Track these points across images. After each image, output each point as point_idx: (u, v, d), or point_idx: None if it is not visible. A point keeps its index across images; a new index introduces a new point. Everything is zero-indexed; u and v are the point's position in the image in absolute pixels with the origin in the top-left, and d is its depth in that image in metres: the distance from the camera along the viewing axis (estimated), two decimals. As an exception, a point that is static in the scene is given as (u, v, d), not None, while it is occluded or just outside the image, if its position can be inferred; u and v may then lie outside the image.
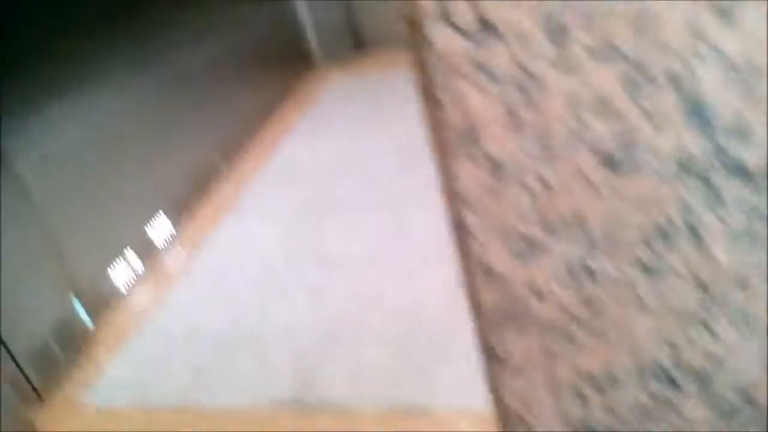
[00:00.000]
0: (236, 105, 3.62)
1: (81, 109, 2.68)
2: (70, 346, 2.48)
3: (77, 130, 2.65)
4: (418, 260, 2.58)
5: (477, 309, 0.76)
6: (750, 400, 0.71)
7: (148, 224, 2.97)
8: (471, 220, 0.70)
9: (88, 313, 2.59)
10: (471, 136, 0.65)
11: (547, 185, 0.66)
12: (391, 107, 3.71)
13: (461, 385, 2.03)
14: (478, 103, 0.63)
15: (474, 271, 0.73)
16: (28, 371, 2.29)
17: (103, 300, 2.72)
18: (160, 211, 3.03)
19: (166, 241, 3.05)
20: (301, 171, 3.37)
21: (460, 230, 0.72)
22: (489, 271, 0.72)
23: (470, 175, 0.67)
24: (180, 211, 3.16)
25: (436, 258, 2.56)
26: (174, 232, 3.10)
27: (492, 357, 0.78)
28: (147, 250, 2.96)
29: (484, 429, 1.89)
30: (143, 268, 2.91)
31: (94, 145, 2.72)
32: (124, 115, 2.89)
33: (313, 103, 3.99)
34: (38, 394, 2.34)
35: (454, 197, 0.70)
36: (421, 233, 2.72)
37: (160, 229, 3.03)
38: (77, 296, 2.53)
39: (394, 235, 2.75)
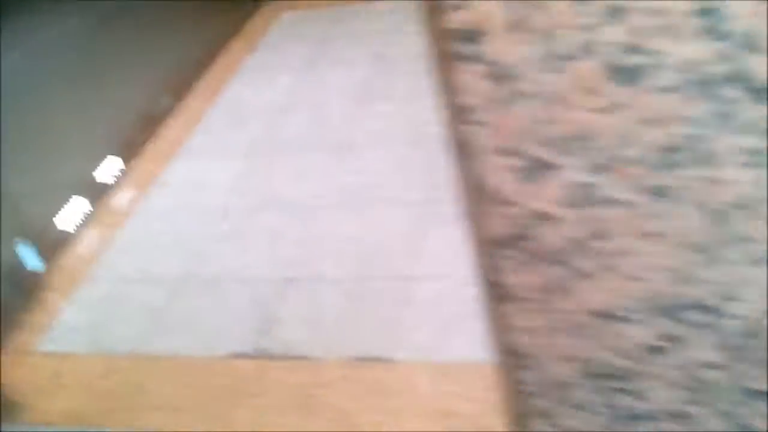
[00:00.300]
0: (183, 43, 3.51)
1: (26, 47, 2.56)
2: (21, 292, 2.43)
3: (22, 68, 2.54)
4: (374, 202, 2.59)
5: (479, 237, 0.71)
6: (756, 333, 0.69)
7: (96, 166, 2.90)
8: (474, 136, 0.66)
9: (39, 257, 2.53)
10: (474, 42, 0.61)
11: (553, 97, 0.61)
12: (342, 45, 3.66)
13: (423, 334, 2.07)
14: (483, 6, 0.59)
15: (476, 194, 0.69)
16: (-21, 318, 2.25)
17: (53, 244, 2.66)
18: (108, 153, 2.96)
19: (115, 183, 2.98)
20: (251, 111, 3.31)
21: (462, 149, 0.68)
22: (492, 194, 0.68)
23: (473, 86, 0.63)
24: (128, 152, 3.09)
25: (395, 200, 2.58)
26: (123, 174, 3.03)
27: (494, 290, 0.75)
28: (96, 193, 2.89)
29: (445, 381, 1.95)
30: (93, 211, 2.85)
31: (38, 85, 2.62)
32: (68, 55, 2.78)
33: (262, 41, 3.90)
34: (-10, 341, 2.31)
35: (455, 112, 0.66)
36: (376, 174, 2.72)
37: (108, 171, 2.97)
38: (27, 241, 2.47)
39: (348, 176, 2.75)
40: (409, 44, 3.52)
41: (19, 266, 2.43)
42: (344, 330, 2.13)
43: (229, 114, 3.32)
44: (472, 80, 0.63)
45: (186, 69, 3.54)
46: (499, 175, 0.66)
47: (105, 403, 2.07)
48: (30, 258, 2.48)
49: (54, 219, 2.68)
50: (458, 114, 0.65)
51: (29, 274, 2.48)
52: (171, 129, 3.30)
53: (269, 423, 1.91)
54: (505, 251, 0.71)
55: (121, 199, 2.93)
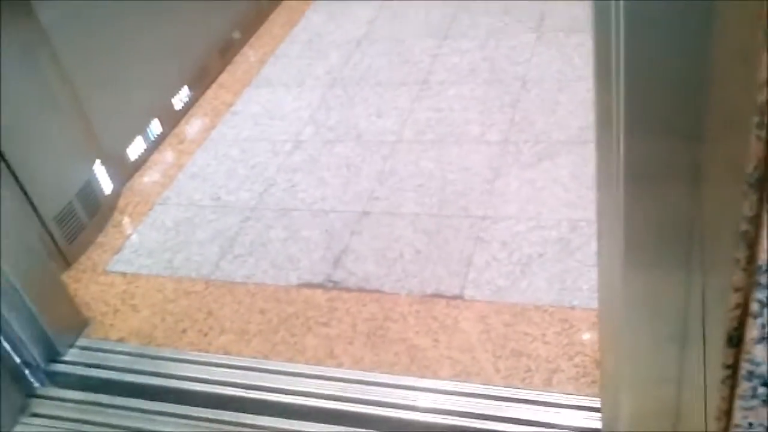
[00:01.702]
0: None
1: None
2: (95, 212, 2.45)
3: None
4: (452, 139, 2.52)
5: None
6: None
7: (172, 93, 2.89)
8: None
9: (114, 179, 2.54)
10: None
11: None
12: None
13: (498, 274, 2.01)
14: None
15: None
16: (55, 233, 2.27)
17: (128, 167, 2.67)
18: (184, 81, 2.94)
19: (190, 110, 2.97)
20: (328, 43, 3.24)
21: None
22: None
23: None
24: (203, 81, 3.07)
25: (474, 138, 2.50)
26: (197, 102, 3.02)
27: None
28: (171, 119, 2.89)
29: (519, 322, 1.89)
30: (167, 137, 2.85)
31: (113, 13, 2.59)
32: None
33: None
34: (64, 258, 2.33)
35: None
36: (455, 111, 2.64)
37: (184, 98, 2.95)
38: (103, 162, 2.48)
39: (427, 112, 2.67)
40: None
41: (94, 186, 2.44)
42: (417, 266, 2.08)
43: (306, 45, 3.26)
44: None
45: (263, -1, 3.48)
46: None
47: (174, 325, 2.07)
48: (104, 179, 2.49)
49: (128, 143, 2.68)
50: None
51: (103, 194, 2.49)
52: (246, 58, 3.26)
53: (338, 352, 1.88)
54: None
55: (194, 126, 2.92)
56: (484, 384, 1.73)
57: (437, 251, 2.12)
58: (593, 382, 1.69)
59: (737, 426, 0.62)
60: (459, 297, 1.97)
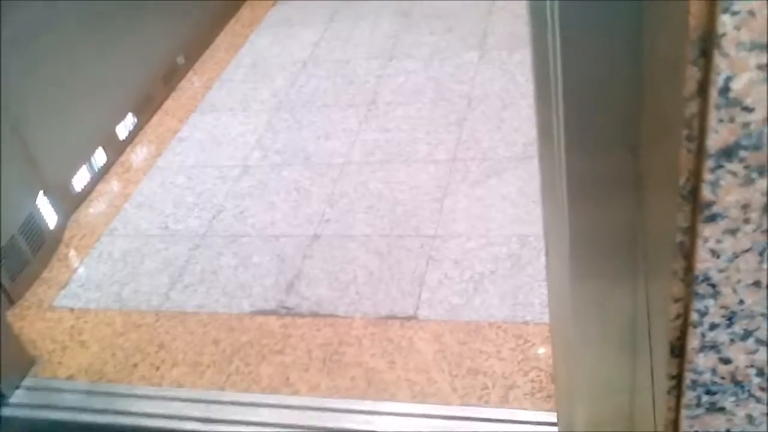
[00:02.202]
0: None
1: (42, 7, 2.49)
2: (40, 246, 2.39)
3: (40, 25, 2.47)
4: (400, 159, 2.53)
5: (697, 147, 0.58)
6: None
7: (116, 121, 2.84)
8: (724, 26, 0.54)
9: (58, 211, 2.49)
10: None
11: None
12: (364, 1, 3.57)
13: (450, 293, 2.02)
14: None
15: (705, 96, 0.55)
16: (-3, 271, 2.21)
17: (73, 198, 2.62)
18: (128, 108, 2.90)
19: (135, 138, 2.93)
20: (273, 66, 3.24)
21: (706, 42, 0.55)
22: (735, 98, 0.56)
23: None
24: (148, 108, 3.03)
25: (421, 158, 2.51)
26: (142, 129, 2.98)
27: (702, 208, 0.60)
28: (116, 148, 2.84)
29: (474, 339, 1.89)
30: (113, 167, 2.80)
31: (58, 41, 2.55)
32: (86, 11, 2.70)
33: (283, -6, 3.81)
34: (8, 295, 2.27)
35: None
36: (402, 131, 2.65)
37: (128, 126, 2.91)
38: (46, 194, 2.42)
39: (373, 133, 2.68)
40: (433, 1, 3.43)
41: (37, 219, 2.38)
42: (370, 288, 2.07)
43: (250, 69, 3.25)
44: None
45: (206, 23, 3.46)
46: (745, 76, 0.56)
47: (125, 359, 2.03)
48: (48, 211, 2.43)
49: (73, 173, 2.62)
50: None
51: (47, 227, 2.43)
52: (191, 83, 3.23)
53: (294, 379, 1.86)
54: (728, 164, 0.60)
55: (140, 154, 2.87)
56: (442, 404, 1.72)
57: (390, 272, 2.11)
58: (549, 396, 1.70)
59: (684, 436, 0.63)
60: (413, 317, 1.97)
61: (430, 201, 2.33)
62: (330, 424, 1.72)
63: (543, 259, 2.02)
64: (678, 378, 0.62)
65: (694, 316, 0.59)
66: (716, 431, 0.63)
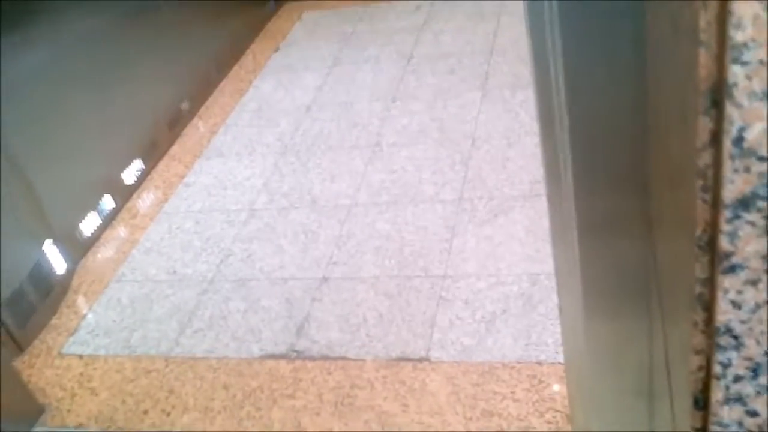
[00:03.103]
0: (205, 43, 3.47)
1: (49, 47, 2.53)
2: (48, 293, 2.39)
3: (45, 69, 2.51)
4: (407, 200, 2.54)
5: (713, 196, 0.57)
6: None
7: (122, 167, 2.87)
8: (737, 77, 0.52)
9: (66, 258, 2.49)
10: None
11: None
12: (366, 43, 3.61)
13: (462, 333, 2.01)
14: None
15: (721, 146, 0.54)
16: (5, 318, 2.21)
17: (81, 245, 2.63)
18: (134, 154, 2.93)
19: (142, 184, 2.95)
20: (277, 110, 3.27)
21: (717, 93, 0.54)
22: (750, 147, 0.54)
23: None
24: (154, 153, 3.05)
25: (428, 198, 2.52)
26: (149, 175, 3.00)
27: (722, 259, 0.59)
28: (123, 194, 2.86)
29: (487, 380, 1.88)
30: (120, 213, 2.82)
31: (62, 86, 2.58)
32: (90, 55, 2.74)
33: (285, 40, 3.86)
34: (16, 342, 2.26)
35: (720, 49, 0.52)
36: (407, 172, 2.67)
37: (135, 172, 2.93)
38: (54, 241, 2.44)
39: (379, 174, 2.69)
40: (434, 43, 3.47)
41: (44, 267, 2.39)
42: (381, 330, 2.07)
43: (255, 114, 3.28)
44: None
45: (210, 69, 3.50)
46: (759, 125, 0.54)
47: (135, 406, 2.02)
48: (56, 258, 2.44)
49: (80, 220, 2.64)
50: (726, 51, 0.52)
51: (55, 274, 2.44)
52: (196, 129, 3.26)
53: (306, 424, 1.85)
54: (746, 214, 0.58)
55: (147, 199, 2.89)
56: (456, 447, 1.71)
57: (400, 313, 2.11)
58: (565, 437, 1.68)
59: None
60: (425, 359, 1.96)
61: (438, 241, 2.33)
62: (344, 470, 1.70)
63: (554, 297, 2.03)
64: (703, 431, 0.61)
65: (717, 369, 0.59)
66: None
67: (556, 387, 1.81)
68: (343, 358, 2.01)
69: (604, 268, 0.98)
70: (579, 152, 0.89)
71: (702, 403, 0.60)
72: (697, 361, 0.59)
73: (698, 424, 0.60)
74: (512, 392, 1.82)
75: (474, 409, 1.79)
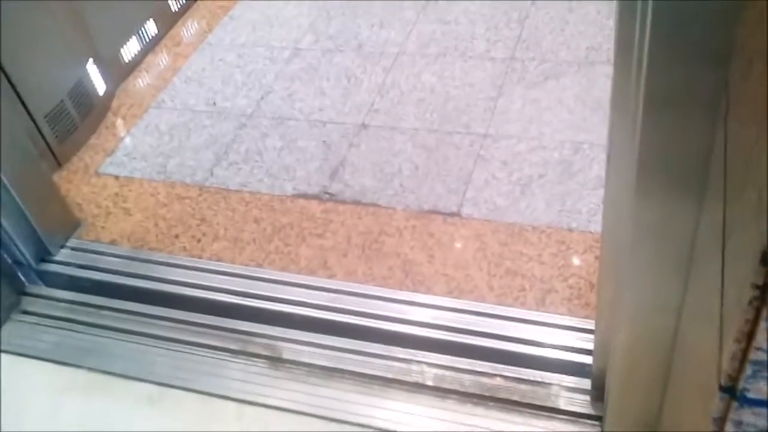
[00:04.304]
0: None
1: None
2: (88, 112, 2.39)
3: None
4: (457, 54, 2.45)
5: None
6: None
7: (168, -8, 2.79)
8: None
9: (107, 80, 2.48)
10: None
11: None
12: None
13: (496, 193, 1.99)
14: None
15: None
16: (46, 132, 2.22)
17: (122, 68, 2.60)
18: (181, -22, 2.84)
19: (186, 13, 2.88)
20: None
21: None
22: None
23: None
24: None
25: (479, 54, 2.44)
26: (195, 4, 2.92)
27: None
28: (167, 21, 2.80)
29: (515, 241, 1.87)
30: (163, 40, 2.77)
31: None
32: None
33: None
34: (56, 158, 2.29)
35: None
36: (461, 25, 2.57)
37: (180, 0, 2.86)
38: (96, 62, 2.41)
39: (431, 25, 2.59)
40: None
41: (87, 86, 2.38)
42: (415, 182, 2.05)
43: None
44: None
45: None
46: None
47: (167, 230, 2.05)
48: (97, 79, 2.42)
49: (123, 43, 2.60)
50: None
51: (96, 94, 2.43)
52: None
53: (332, 264, 1.87)
54: None
55: (191, 29, 2.83)
56: (477, 301, 1.73)
57: (436, 167, 2.08)
58: (587, 304, 1.69)
59: (758, 349, 0.61)
60: (456, 214, 1.95)
61: (483, 99, 2.27)
62: (365, 309, 1.73)
63: (595, 168, 1.98)
64: (762, 289, 0.59)
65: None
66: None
67: (583, 255, 1.79)
68: (375, 205, 2.01)
69: (665, 143, 0.92)
70: (661, 18, 0.82)
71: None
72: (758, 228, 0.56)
73: (760, 281, 0.57)
74: (539, 255, 1.81)
75: (499, 267, 1.79)
